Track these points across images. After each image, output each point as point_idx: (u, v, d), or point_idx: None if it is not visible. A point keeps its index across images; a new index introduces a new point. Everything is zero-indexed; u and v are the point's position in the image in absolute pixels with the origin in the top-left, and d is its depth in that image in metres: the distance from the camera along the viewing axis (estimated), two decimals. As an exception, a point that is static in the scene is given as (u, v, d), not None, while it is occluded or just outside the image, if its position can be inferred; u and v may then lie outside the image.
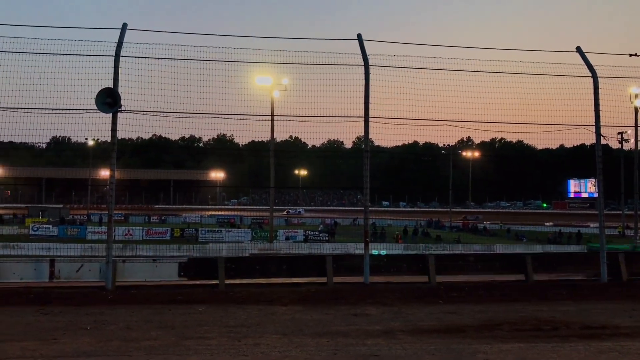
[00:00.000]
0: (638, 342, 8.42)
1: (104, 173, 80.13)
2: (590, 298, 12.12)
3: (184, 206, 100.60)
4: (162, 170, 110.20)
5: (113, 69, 12.53)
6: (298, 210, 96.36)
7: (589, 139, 14.64)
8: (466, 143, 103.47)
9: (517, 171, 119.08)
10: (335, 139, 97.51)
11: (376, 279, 13.39)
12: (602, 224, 14.73)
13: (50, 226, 49.25)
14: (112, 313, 10.12)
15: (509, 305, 11.21)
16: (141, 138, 14.84)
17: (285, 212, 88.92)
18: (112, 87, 12.50)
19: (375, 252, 37.41)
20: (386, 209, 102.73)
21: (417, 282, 13.54)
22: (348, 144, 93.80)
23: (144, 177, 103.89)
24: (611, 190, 36.12)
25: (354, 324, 9.49)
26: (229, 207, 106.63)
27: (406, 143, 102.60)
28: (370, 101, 13.45)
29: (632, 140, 40.92)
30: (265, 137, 36.93)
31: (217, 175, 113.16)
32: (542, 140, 14.88)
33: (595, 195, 17.09)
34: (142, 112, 12.90)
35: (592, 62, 14.24)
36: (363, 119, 13.49)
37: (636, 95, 34.63)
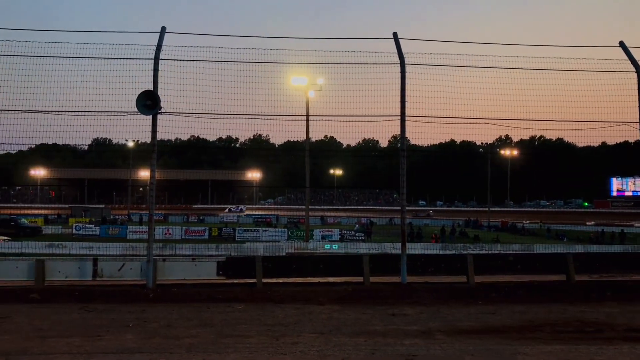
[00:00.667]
0: (686, 345, 8.16)
1: (144, 173, 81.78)
2: (636, 300, 11.78)
3: (222, 206, 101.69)
4: (200, 170, 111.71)
5: (153, 71, 12.80)
6: (240, 208, 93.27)
7: (633, 135, 14.25)
8: (504, 141, 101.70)
9: (557, 169, 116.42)
10: (371, 138, 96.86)
11: (414, 279, 13.31)
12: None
13: (93, 226, 50.44)
14: (153, 311, 10.34)
15: (550, 306, 10.99)
16: (179, 139, 15.24)
17: (226, 210, 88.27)
18: (152, 89, 12.75)
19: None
20: (423, 208, 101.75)
21: (455, 282, 13.40)
22: (383, 143, 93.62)
23: (183, 177, 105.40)
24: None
25: (391, 323, 9.46)
26: (266, 206, 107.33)
27: (443, 141, 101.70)
28: (406, 100, 13.38)
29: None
30: (301, 137, 37.09)
31: (254, 175, 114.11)
32: (583, 137, 14.49)
33: (640, 193, 16.57)
34: (180, 114, 13.15)
35: (636, 57, 13.86)
36: (399, 118, 13.44)
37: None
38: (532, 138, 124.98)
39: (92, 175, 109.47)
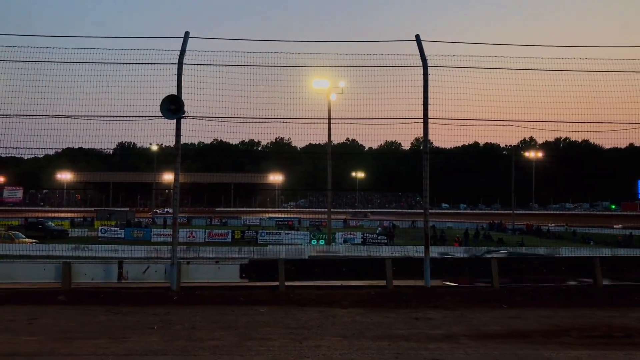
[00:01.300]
0: None
1: (168, 177, 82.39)
2: (666, 304, 11.54)
3: (244, 209, 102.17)
4: (222, 173, 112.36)
5: (176, 76, 12.93)
6: (166, 210, 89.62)
7: (662, 137, 13.96)
8: (529, 143, 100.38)
9: (583, 172, 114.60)
10: (393, 141, 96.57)
11: (437, 283, 13.22)
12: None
13: (118, 229, 51.12)
14: (178, 313, 10.43)
15: (576, 310, 10.83)
16: (203, 142, 15.32)
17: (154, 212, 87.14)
18: (176, 94, 12.88)
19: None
20: (446, 211, 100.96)
21: (479, 286, 13.27)
22: (406, 145, 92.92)
23: (206, 180, 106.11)
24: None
25: (415, 327, 9.40)
26: (288, 209, 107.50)
27: (466, 144, 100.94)
28: (429, 102, 13.31)
29: None
30: (323, 139, 37.16)
31: (276, 178, 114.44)
32: (609, 139, 14.27)
33: (669, 196, 16.24)
34: (203, 118, 13.24)
35: (665, 57, 13.60)
36: (422, 120, 13.36)
37: None
38: (557, 140, 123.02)
39: (116, 178, 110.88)
